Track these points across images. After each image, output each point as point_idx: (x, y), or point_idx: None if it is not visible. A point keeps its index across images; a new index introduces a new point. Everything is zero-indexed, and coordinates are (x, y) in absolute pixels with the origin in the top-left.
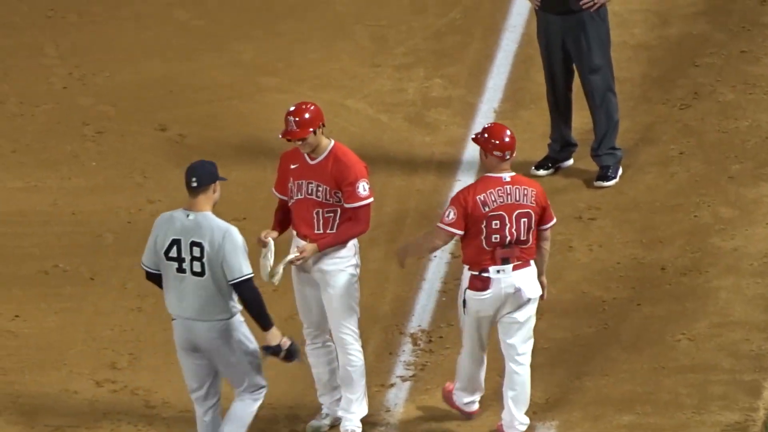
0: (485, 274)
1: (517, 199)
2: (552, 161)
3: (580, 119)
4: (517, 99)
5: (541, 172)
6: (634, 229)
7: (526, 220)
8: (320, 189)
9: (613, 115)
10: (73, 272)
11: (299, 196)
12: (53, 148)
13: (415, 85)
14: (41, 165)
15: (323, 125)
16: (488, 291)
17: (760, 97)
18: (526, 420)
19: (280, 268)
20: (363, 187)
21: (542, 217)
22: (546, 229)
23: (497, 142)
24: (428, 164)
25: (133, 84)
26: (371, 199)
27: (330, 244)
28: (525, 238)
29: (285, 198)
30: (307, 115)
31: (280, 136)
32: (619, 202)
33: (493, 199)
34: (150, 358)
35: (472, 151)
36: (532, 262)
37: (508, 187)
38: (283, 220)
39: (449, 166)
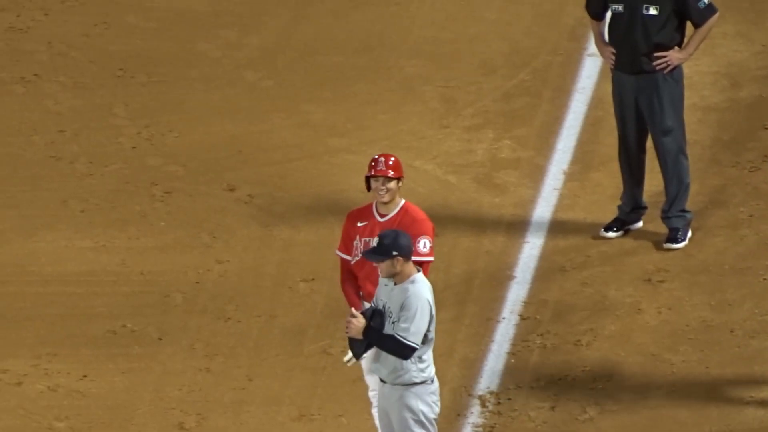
0: None
1: None
2: (621, 223)
3: (650, 181)
4: (586, 161)
5: (611, 234)
6: (703, 292)
7: None
8: None
9: (684, 177)
10: (141, 332)
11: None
12: (122, 207)
13: (484, 146)
14: (110, 224)
15: (402, 180)
16: None
17: None
18: None
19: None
20: (424, 244)
21: None
22: None
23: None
24: (497, 225)
25: (202, 144)
26: (430, 258)
27: None
28: None
29: (348, 258)
30: (392, 161)
31: (369, 173)
32: (689, 265)
33: None
34: (218, 418)
35: (541, 212)
36: None
37: None
38: (356, 288)
39: (518, 227)
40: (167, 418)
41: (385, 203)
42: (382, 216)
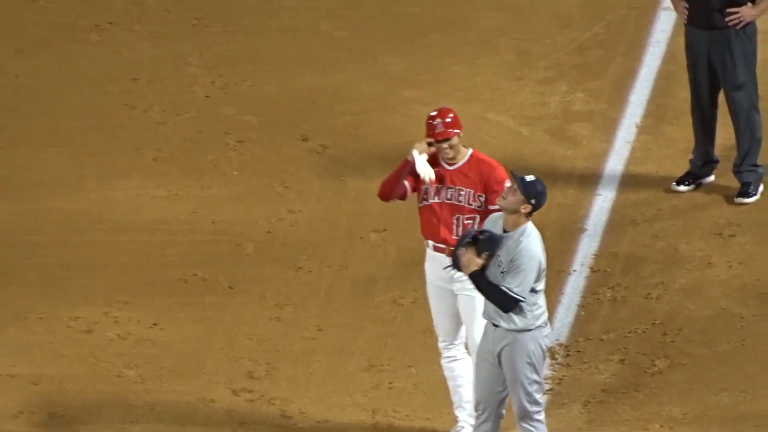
0: None
1: None
2: (693, 177)
3: (722, 135)
4: (659, 114)
5: (682, 188)
6: None
7: None
8: (462, 193)
9: (756, 132)
10: (212, 281)
11: (435, 200)
12: (195, 156)
13: (557, 99)
14: (183, 173)
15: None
16: None
17: None
18: None
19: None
20: (507, 183)
21: None
22: None
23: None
24: (569, 178)
25: (277, 94)
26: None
27: None
28: None
29: (409, 188)
30: (449, 118)
31: (426, 138)
32: (760, 219)
33: None
34: (288, 368)
35: (613, 165)
36: None
37: None
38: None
39: (590, 180)
40: (237, 367)
41: (450, 158)
42: (450, 164)
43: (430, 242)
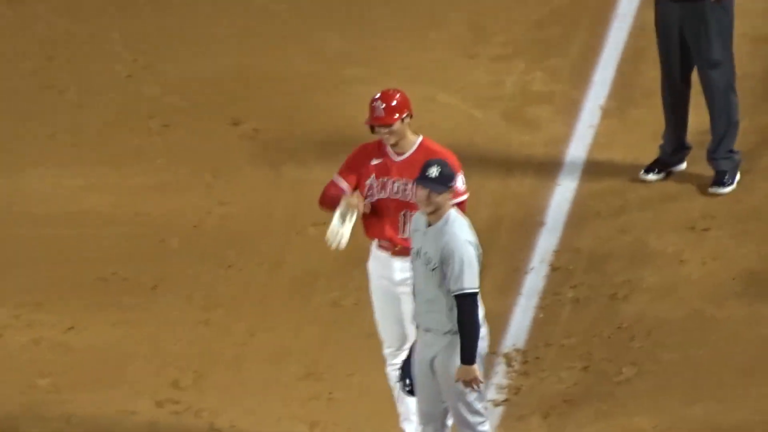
0: None
1: None
2: (663, 165)
3: (695, 119)
4: (626, 95)
5: (651, 176)
6: (752, 241)
7: None
8: (409, 187)
9: (732, 115)
10: (134, 280)
11: (382, 196)
12: (116, 142)
13: (513, 78)
14: (102, 161)
15: (410, 116)
16: None
17: None
18: None
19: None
20: (462, 180)
21: None
22: None
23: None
24: (526, 166)
25: (205, 74)
26: (467, 195)
27: None
28: None
29: (344, 187)
30: (394, 102)
31: (365, 124)
32: (736, 211)
33: None
34: (217, 376)
35: (574, 151)
36: None
37: None
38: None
39: (550, 167)
40: (161, 375)
41: (394, 144)
42: (398, 154)
43: (374, 240)
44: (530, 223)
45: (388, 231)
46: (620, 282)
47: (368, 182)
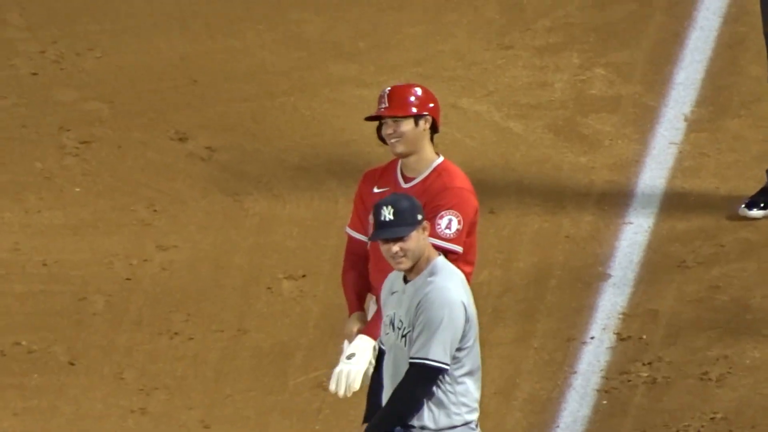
0: None
1: None
2: None
3: None
4: (720, 102)
5: (756, 212)
6: None
7: None
8: None
9: None
10: (43, 353)
11: None
12: (17, 165)
13: (565, 77)
14: None
15: (435, 124)
16: None
17: None
18: None
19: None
20: (449, 223)
21: None
22: None
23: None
24: (584, 198)
25: (138, 70)
26: (456, 248)
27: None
28: None
29: (362, 238)
30: (413, 95)
31: (374, 114)
32: None
33: None
34: None
35: (649, 179)
36: None
37: None
38: (363, 285)
39: (615, 200)
40: None
41: (403, 156)
42: (407, 180)
43: (373, 298)
44: (589, 277)
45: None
46: (713, 358)
47: (371, 217)
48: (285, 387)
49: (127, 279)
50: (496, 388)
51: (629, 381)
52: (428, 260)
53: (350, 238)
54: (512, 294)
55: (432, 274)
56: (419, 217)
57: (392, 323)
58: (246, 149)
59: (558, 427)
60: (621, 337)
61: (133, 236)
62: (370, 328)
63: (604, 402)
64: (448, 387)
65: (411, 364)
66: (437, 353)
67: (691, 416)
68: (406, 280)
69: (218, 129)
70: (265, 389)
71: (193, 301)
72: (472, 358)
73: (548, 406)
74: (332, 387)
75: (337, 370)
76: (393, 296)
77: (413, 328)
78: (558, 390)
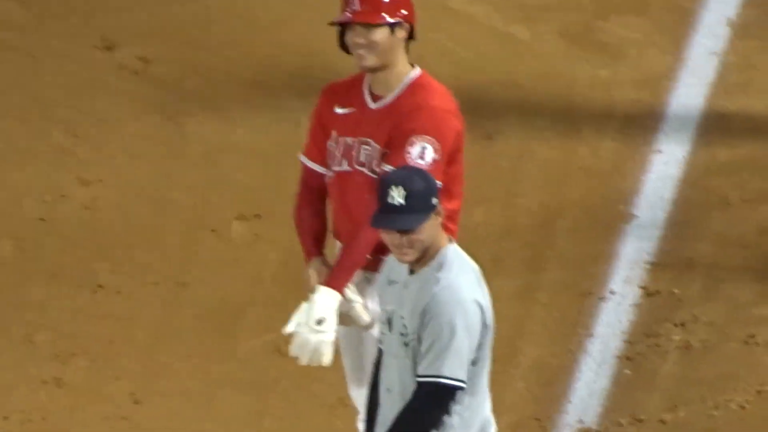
0: None
1: None
2: None
3: None
4: None
5: None
6: None
7: None
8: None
9: None
10: None
11: (344, 167)
12: None
13: None
14: None
15: (411, 30)
16: None
17: None
18: None
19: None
20: (423, 152)
21: None
22: None
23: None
24: (604, 121)
25: None
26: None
27: (345, 277)
28: None
29: (319, 169)
30: None
31: (331, 24)
32: None
33: None
34: None
35: (685, 97)
36: None
37: None
38: (322, 225)
39: (642, 122)
40: None
41: (373, 70)
42: (376, 99)
43: (338, 243)
44: (609, 217)
45: (343, 221)
46: (761, 317)
47: (329, 143)
48: (234, 353)
49: (41, 219)
50: (494, 353)
51: (658, 346)
52: (437, 249)
53: (305, 168)
54: (514, 237)
55: (441, 267)
56: (434, 201)
57: (390, 322)
58: (187, 60)
59: (570, 402)
60: (648, 292)
61: (47, 167)
62: (333, 279)
63: (627, 371)
64: (457, 407)
65: (420, 383)
66: (452, 369)
67: (733, 388)
68: (410, 271)
69: (153, 35)
70: (210, 356)
71: (122, 248)
72: (483, 377)
73: (558, 375)
74: (295, 352)
75: (302, 337)
76: (392, 288)
77: (419, 339)
78: (570, 356)
